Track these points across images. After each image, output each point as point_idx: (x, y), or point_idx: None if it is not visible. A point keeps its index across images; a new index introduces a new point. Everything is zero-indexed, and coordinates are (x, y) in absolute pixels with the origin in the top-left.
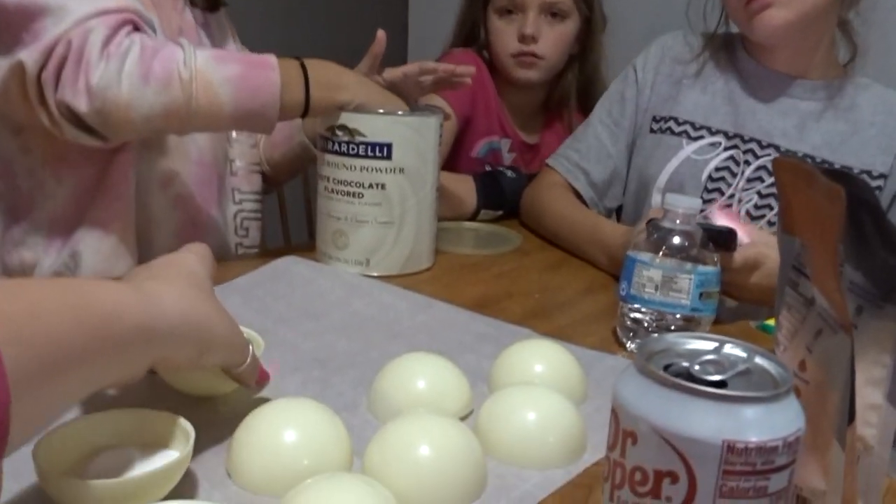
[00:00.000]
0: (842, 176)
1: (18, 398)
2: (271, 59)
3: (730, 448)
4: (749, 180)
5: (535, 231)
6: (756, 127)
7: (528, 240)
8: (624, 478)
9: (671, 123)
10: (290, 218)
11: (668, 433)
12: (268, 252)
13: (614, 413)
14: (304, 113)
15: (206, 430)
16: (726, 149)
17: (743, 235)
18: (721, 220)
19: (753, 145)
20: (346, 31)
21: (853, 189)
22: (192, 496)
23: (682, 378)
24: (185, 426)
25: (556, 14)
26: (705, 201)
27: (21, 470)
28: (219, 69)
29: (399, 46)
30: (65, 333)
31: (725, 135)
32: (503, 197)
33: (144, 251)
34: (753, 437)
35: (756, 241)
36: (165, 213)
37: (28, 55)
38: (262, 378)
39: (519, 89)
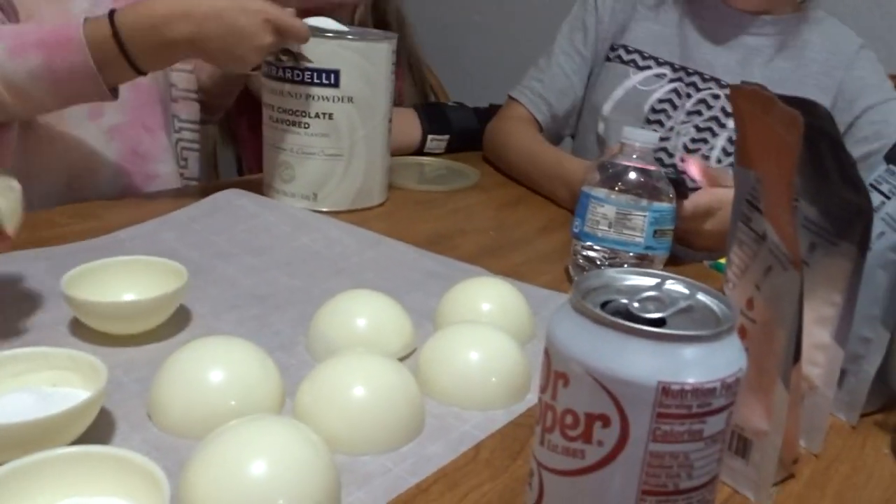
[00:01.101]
0: (802, 103)
1: None
2: (74, 32)
3: (665, 390)
4: (688, 113)
5: (497, 166)
6: (700, 60)
7: (488, 176)
8: (555, 421)
9: (620, 51)
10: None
11: (600, 375)
12: (217, 185)
13: (546, 353)
14: (142, 72)
15: (129, 371)
16: (671, 80)
17: (703, 181)
18: (692, 169)
19: (696, 78)
20: None
21: (813, 118)
22: (107, 439)
23: (619, 316)
24: (96, 363)
25: None
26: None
27: None
28: (18, 65)
29: None
30: None
31: (672, 66)
32: (448, 123)
33: (88, 187)
34: (690, 379)
35: (714, 189)
36: (102, 146)
37: None
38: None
39: None
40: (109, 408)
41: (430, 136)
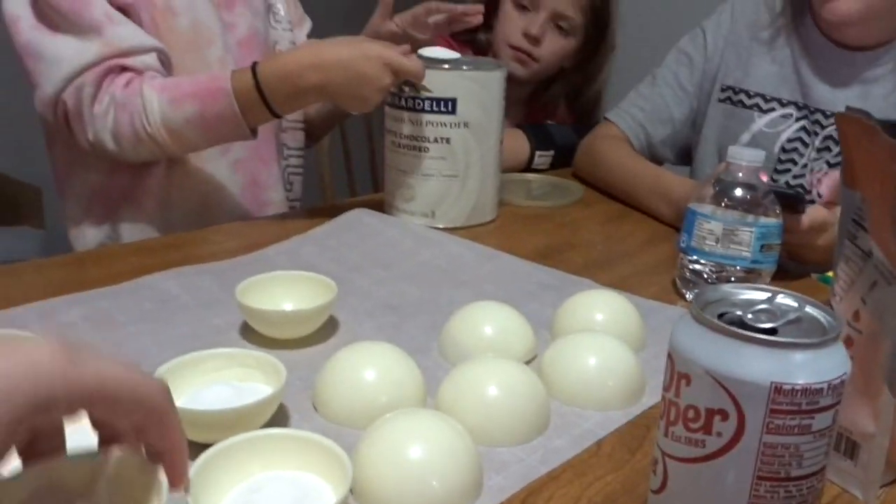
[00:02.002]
0: None
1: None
2: (224, 83)
3: (777, 389)
4: (818, 150)
5: (591, 182)
6: (820, 98)
7: (589, 192)
8: (678, 415)
9: (742, 96)
10: (355, 171)
11: (720, 375)
12: (338, 205)
13: (670, 357)
14: (277, 115)
15: (294, 370)
16: (797, 119)
17: (826, 197)
18: (825, 185)
19: (819, 115)
20: None
21: None
22: (284, 426)
23: (735, 325)
24: (277, 364)
25: (562, 27)
26: (778, 172)
27: None
28: (177, 113)
29: None
30: None
31: (796, 106)
32: (552, 139)
33: (213, 215)
34: (800, 380)
35: (830, 205)
36: (227, 178)
37: (38, 104)
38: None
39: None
40: (283, 400)
41: (537, 153)
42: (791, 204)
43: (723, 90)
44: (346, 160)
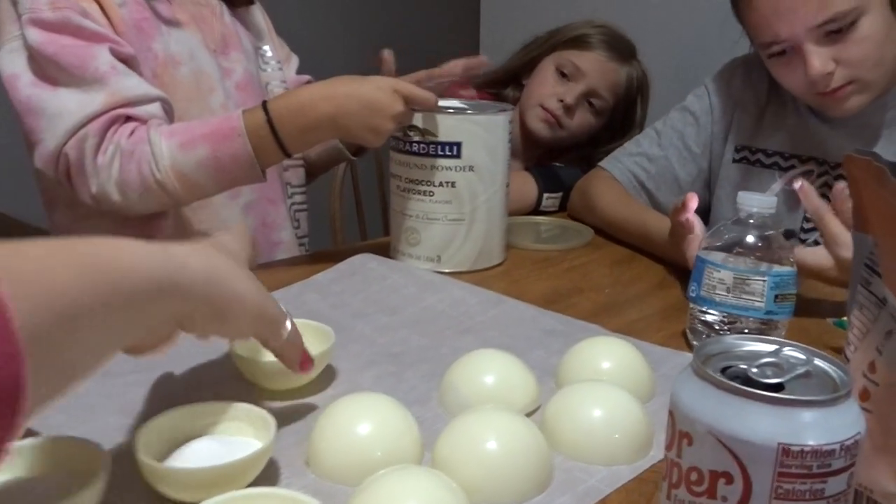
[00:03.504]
0: None
1: (33, 354)
2: (236, 123)
3: (785, 451)
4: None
5: (586, 223)
6: (836, 150)
7: (599, 234)
8: (681, 477)
9: (759, 156)
10: (365, 214)
11: (722, 435)
12: (344, 249)
13: (671, 414)
14: (288, 154)
15: (286, 422)
16: (819, 175)
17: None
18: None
19: (841, 170)
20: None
21: None
22: (273, 483)
23: (739, 381)
24: (268, 418)
25: (593, 105)
26: (805, 231)
27: (122, 455)
28: (188, 157)
29: (472, 40)
30: (75, 287)
31: (816, 161)
32: (560, 181)
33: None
34: (810, 441)
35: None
36: (241, 221)
37: (38, 160)
38: (306, 364)
39: (524, 137)
40: (273, 455)
41: (545, 195)
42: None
43: (738, 150)
44: (357, 203)
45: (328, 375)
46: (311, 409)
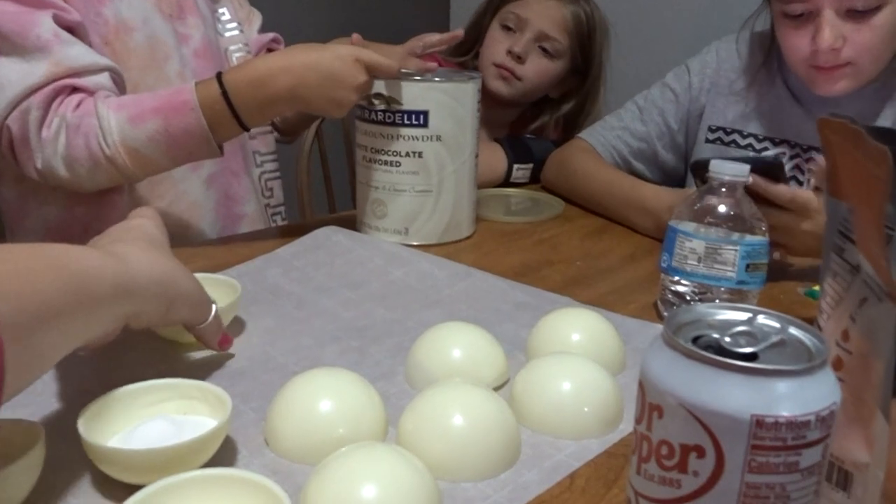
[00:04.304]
0: (890, 135)
1: (10, 348)
2: (188, 96)
3: (759, 423)
4: (815, 189)
5: (561, 194)
6: (810, 134)
7: (570, 207)
8: (650, 451)
9: (735, 136)
10: (334, 185)
11: (694, 407)
12: (311, 223)
13: (641, 386)
14: (246, 128)
15: (249, 401)
16: (791, 157)
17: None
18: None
19: (813, 153)
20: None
21: None
22: (230, 463)
23: (711, 350)
24: (223, 395)
25: (546, 50)
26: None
27: (67, 435)
28: (138, 131)
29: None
30: (48, 290)
31: (789, 144)
32: (531, 152)
33: (187, 237)
34: (784, 412)
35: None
36: (203, 194)
37: None
38: (224, 342)
39: (489, 102)
40: (230, 434)
41: (515, 166)
42: (769, 172)
43: (712, 131)
44: (325, 176)
45: (290, 349)
46: (270, 386)
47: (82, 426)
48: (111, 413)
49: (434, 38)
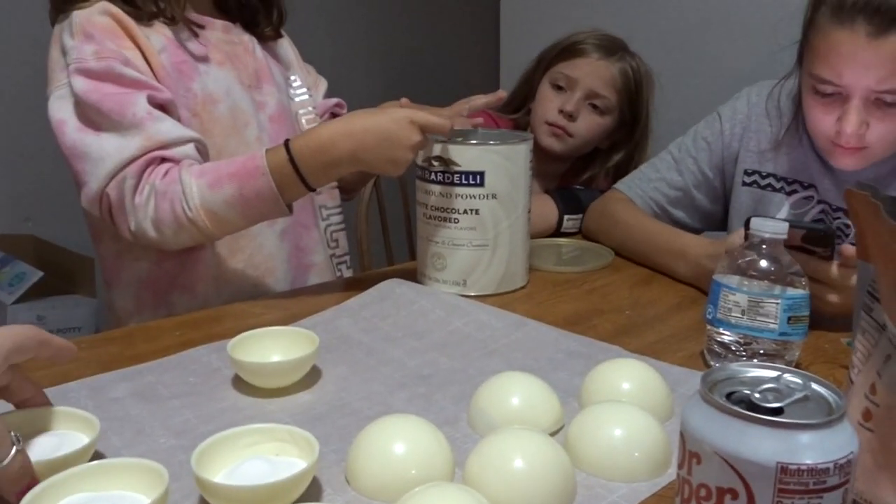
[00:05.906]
0: None
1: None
2: (260, 162)
3: (784, 470)
4: (841, 235)
5: (604, 243)
6: (836, 193)
7: (618, 256)
8: (691, 493)
9: (770, 180)
10: (391, 238)
11: (727, 455)
12: (373, 275)
13: (681, 435)
14: (311, 189)
15: (327, 443)
16: (818, 202)
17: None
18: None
19: (840, 213)
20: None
21: None
22: (317, 499)
23: (742, 405)
24: (311, 439)
25: (597, 106)
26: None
27: (181, 473)
28: (216, 196)
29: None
30: None
31: (815, 188)
32: (580, 203)
33: (264, 286)
34: (807, 460)
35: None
36: (277, 246)
37: (84, 200)
38: (20, 494)
39: (541, 157)
40: (316, 473)
41: (565, 217)
42: (820, 240)
43: (748, 174)
44: (383, 226)
45: (364, 395)
46: (349, 430)
47: (196, 461)
48: (216, 453)
49: (480, 100)
